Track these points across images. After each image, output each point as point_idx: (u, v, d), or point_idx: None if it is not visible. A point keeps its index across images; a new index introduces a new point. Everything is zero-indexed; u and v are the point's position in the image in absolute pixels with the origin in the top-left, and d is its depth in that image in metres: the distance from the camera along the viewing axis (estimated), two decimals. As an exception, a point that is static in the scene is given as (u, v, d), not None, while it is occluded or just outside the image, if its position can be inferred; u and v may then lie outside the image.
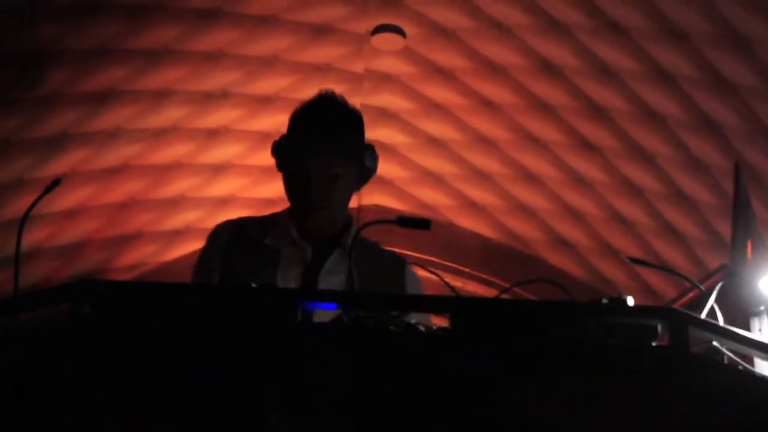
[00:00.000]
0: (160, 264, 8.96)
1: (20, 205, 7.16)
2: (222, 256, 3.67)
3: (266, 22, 7.42)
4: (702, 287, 3.22)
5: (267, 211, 8.89)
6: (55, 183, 3.57)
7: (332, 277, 3.59)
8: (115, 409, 2.55)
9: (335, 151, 3.75)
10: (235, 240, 3.70)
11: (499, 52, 7.68)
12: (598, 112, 7.71)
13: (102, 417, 2.55)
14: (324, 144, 3.75)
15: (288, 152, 3.75)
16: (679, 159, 7.75)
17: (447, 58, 7.88)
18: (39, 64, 6.97)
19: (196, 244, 8.93)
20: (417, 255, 8.66)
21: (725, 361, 2.79)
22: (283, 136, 3.82)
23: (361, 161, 3.79)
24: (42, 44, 6.86)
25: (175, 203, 8.59)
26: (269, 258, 3.61)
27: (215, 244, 3.72)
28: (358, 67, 8.04)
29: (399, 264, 3.78)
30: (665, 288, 8.32)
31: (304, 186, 3.68)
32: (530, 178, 8.53)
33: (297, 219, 3.71)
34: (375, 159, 3.86)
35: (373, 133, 8.57)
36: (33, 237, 7.76)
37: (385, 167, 8.91)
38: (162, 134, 7.99)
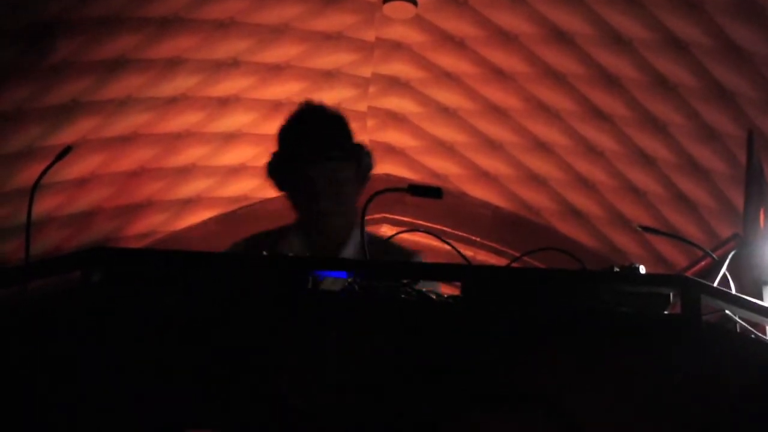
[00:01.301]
0: (171, 233, 8.95)
1: (31, 173, 7.16)
2: None
3: (277, -10, 7.41)
4: (714, 256, 3.22)
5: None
6: (65, 151, 3.57)
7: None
8: (126, 377, 2.55)
9: (336, 156, 3.77)
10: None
11: (510, 21, 7.64)
12: (610, 81, 7.67)
13: (113, 386, 2.55)
14: (324, 151, 3.78)
15: (287, 168, 3.74)
16: (691, 128, 7.72)
17: (458, 26, 7.84)
18: (50, 33, 6.95)
19: (207, 213, 8.98)
20: (428, 224, 8.66)
21: (737, 330, 2.79)
22: (275, 155, 3.82)
23: (359, 161, 3.80)
24: (53, 13, 6.85)
25: (185, 172, 8.58)
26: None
27: None
28: (369, 35, 8.01)
29: (407, 257, 3.79)
30: (677, 257, 8.30)
31: (315, 196, 3.69)
32: (542, 147, 8.50)
33: (311, 230, 3.71)
34: (370, 156, 3.89)
35: (383, 101, 8.62)
36: (43, 205, 7.75)
37: (395, 136, 8.91)
38: (173, 103, 7.97)
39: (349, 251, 3.75)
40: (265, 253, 2.74)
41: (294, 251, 3.69)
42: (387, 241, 3.80)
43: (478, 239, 9.12)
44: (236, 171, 8.77)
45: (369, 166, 3.84)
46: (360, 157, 3.81)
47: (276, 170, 3.79)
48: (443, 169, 8.85)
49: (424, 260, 3.81)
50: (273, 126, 8.40)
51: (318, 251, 3.72)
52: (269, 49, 7.85)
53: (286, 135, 3.84)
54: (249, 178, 8.85)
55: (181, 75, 7.78)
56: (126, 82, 7.60)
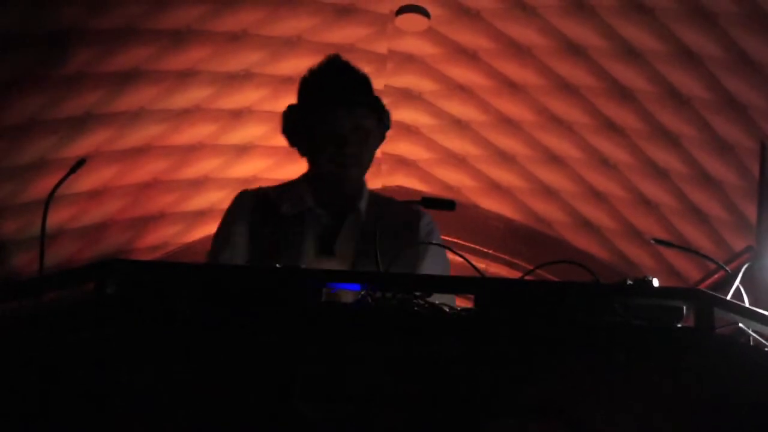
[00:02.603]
0: (183, 245, 8.98)
1: (44, 185, 7.19)
2: (248, 227, 3.67)
3: (290, 2, 7.42)
4: (728, 268, 3.21)
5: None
6: (79, 163, 3.58)
7: (348, 242, 3.60)
8: (139, 388, 2.56)
9: (364, 102, 3.76)
10: (258, 210, 3.70)
11: (523, 33, 7.65)
12: (622, 93, 7.68)
13: (125, 396, 2.55)
14: (353, 96, 3.74)
15: (311, 114, 3.72)
16: (704, 140, 7.72)
17: (471, 38, 7.86)
18: (63, 44, 6.98)
19: (220, 225, 9.00)
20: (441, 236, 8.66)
21: (751, 343, 2.78)
22: (294, 106, 3.80)
23: (381, 115, 3.79)
24: (67, 24, 6.88)
25: (198, 184, 8.60)
26: (292, 226, 3.61)
27: (238, 214, 3.71)
28: (382, 47, 8.03)
29: (413, 214, 3.77)
30: (690, 270, 8.30)
31: (341, 142, 3.68)
32: (554, 159, 8.51)
33: (326, 181, 3.71)
34: (389, 114, 3.87)
35: (396, 114, 8.61)
36: (57, 217, 7.78)
37: (408, 148, 8.92)
38: (185, 114, 8.00)
39: (362, 206, 3.74)
40: (278, 265, 2.73)
41: (303, 205, 3.68)
42: (392, 200, 3.81)
43: (490, 251, 9.12)
44: (249, 183, 8.79)
45: (388, 124, 3.84)
46: (382, 110, 3.80)
47: (295, 118, 3.77)
48: (456, 181, 8.86)
49: (429, 219, 3.79)
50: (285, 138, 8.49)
51: (329, 205, 3.71)
52: (282, 61, 7.87)
53: (310, 82, 3.81)
54: (261, 190, 8.86)
55: (193, 87, 7.80)
56: (139, 94, 7.62)
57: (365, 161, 3.75)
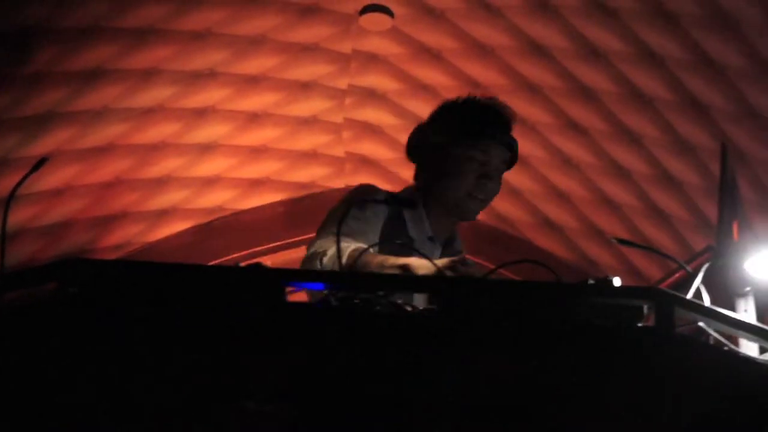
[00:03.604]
0: (146, 244, 8.94)
1: (6, 184, 7.14)
2: (381, 227, 3.64)
3: (254, 2, 7.40)
4: (688, 268, 3.23)
5: (253, 192, 8.87)
6: (41, 162, 3.56)
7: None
8: (100, 389, 2.55)
9: (511, 143, 3.78)
10: (390, 217, 3.69)
11: (486, 33, 7.66)
12: (585, 94, 7.70)
13: (86, 398, 2.54)
14: (508, 139, 3.79)
15: (462, 143, 3.73)
16: (666, 140, 7.75)
17: (435, 38, 7.86)
18: (26, 43, 6.93)
19: (182, 224, 8.97)
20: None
21: (711, 342, 2.80)
22: (440, 127, 3.80)
23: (512, 158, 3.80)
24: (29, 22, 6.83)
25: (161, 183, 8.57)
26: (410, 249, 3.58)
27: (376, 209, 3.69)
28: (346, 47, 8.02)
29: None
30: (651, 269, 8.33)
31: (486, 178, 3.70)
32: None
33: (454, 210, 3.73)
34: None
35: (360, 113, 8.63)
36: (18, 216, 7.73)
37: (372, 148, 8.93)
38: (149, 113, 7.96)
39: (459, 239, 3.86)
40: (241, 264, 2.73)
41: (425, 231, 3.69)
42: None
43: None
44: (212, 182, 8.77)
45: (512, 165, 3.90)
46: (516, 154, 3.84)
47: (439, 141, 3.77)
48: (419, 180, 8.85)
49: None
50: (249, 137, 8.48)
51: (441, 234, 3.72)
52: (246, 60, 7.85)
53: (459, 110, 3.82)
54: (224, 189, 8.85)
55: (157, 86, 7.77)
56: (102, 93, 7.58)
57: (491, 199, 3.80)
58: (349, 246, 3.34)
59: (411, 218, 3.72)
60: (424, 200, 3.79)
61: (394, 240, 3.55)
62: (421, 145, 3.84)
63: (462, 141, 3.75)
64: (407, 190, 3.85)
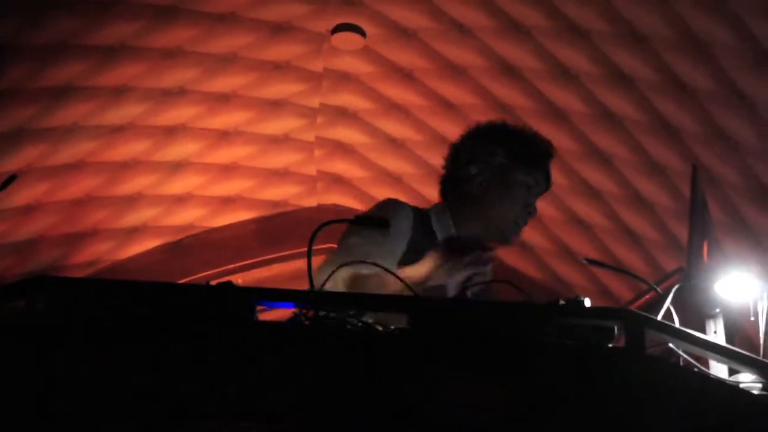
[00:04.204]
0: (116, 261, 8.90)
1: (-25, 200, 7.11)
2: (406, 243, 3.63)
3: (225, 20, 7.39)
4: (659, 289, 3.24)
5: (224, 210, 8.84)
6: (10, 179, 3.55)
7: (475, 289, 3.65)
8: (67, 407, 2.53)
9: (548, 176, 3.96)
10: (416, 230, 3.68)
11: (459, 54, 7.68)
12: (556, 114, 7.73)
13: (53, 415, 2.53)
14: (549, 169, 3.93)
15: (520, 170, 3.76)
16: (636, 161, 7.78)
17: (407, 58, 7.88)
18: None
19: (153, 242, 8.94)
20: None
21: (681, 363, 2.81)
22: (497, 147, 3.82)
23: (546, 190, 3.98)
24: (-1, 39, 6.82)
25: (131, 200, 8.54)
26: (436, 262, 3.57)
27: (404, 223, 3.68)
28: (318, 66, 8.03)
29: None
30: (622, 290, 8.35)
31: (532, 209, 3.84)
32: (488, 179, 8.53)
33: (493, 233, 3.79)
34: None
35: (331, 132, 8.63)
36: (-13, 233, 7.70)
37: (344, 167, 8.92)
38: (119, 131, 7.94)
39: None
40: (211, 283, 2.72)
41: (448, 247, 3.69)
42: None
43: (425, 270, 9.11)
44: (182, 200, 8.75)
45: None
46: (549, 188, 3.91)
47: (493, 163, 3.77)
48: (390, 199, 8.84)
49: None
50: (220, 155, 8.47)
51: (471, 252, 3.72)
52: (216, 78, 7.84)
53: (519, 137, 3.84)
54: (195, 207, 8.82)
55: (127, 103, 7.75)
56: (72, 110, 7.56)
57: None
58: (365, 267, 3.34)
59: (440, 231, 3.72)
60: (457, 216, 3.78)
61: (417, 252, 3.54)
62: (478, 161, 3.83)
63: (520, 166, 3.77)
64: (436, 209, 3.83)
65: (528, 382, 2.59)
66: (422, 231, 3.70)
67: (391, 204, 3.74)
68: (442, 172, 3.99)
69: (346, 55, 7.93)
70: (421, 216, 3.73)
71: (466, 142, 3.92)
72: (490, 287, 3.73)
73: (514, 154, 3.81)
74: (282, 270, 9.00)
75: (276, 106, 8.23)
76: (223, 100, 8.03)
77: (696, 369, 2.82)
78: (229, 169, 8.63)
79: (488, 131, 3.91)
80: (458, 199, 3.81)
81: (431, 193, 8.89)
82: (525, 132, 3.89)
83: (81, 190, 8.23)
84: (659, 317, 2.92)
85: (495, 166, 3.80)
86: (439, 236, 3.71)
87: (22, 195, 7.80)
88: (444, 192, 3.90)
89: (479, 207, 3.78)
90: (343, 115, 8.49)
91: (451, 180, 3.88)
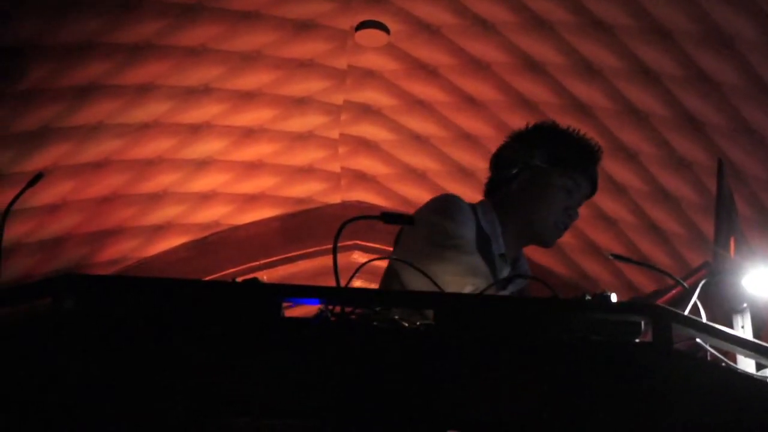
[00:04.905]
0: (142, 259, 8.93)
1: (1, 199, 7.12)
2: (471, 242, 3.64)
3: (249, 18, 7.40)
4: (685, 284, 3.23)
5: (249, 208, 8.84)
6: (37, 177, 3.56)
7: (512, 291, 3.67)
8: (95, 404, 2.54)
9: (594, 181, 3.94)
10: (478, 238, 3.68)
11: (483, 49, 7.67)
12: (581, 110, 7.71)
13: (83, 413, 2.53)
14: (594, 173, 3.93)
15: (558, 170, 3.78)
16: (662, 156, 7.76)
17: (431, 54, 7.87)
18: (21, 58, 6.93)
19: (178, 239, 8.96)
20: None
21: (708, 358, 2.80)
22: (540, 149, 3.82)
23: (591, 194, 3.98)
24: (24, 38, 6.83)
25: (157, 198, 8.56)
26: (489, 265, 3.59)
27: (469, 224, 3.68)
28: (342, 63, 8.03)
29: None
30: (648, 285, 8.32)
31: (574, 213, 3.83)
32: (513, 175, 8.52)
33: (534, 236, 3.82)
34: None
35: (355, 128, 8.63)
36: (13, 232, 7.72)
37: (368, 163, 8.92)
38: (144, 129, 7.96)
39: (525, 260, 3.92)
40: (237, 279, 2.72)
41: (500, 249, 3.70)
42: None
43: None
44: (207, 197, 8.76)
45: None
46: (595, 192, 3.97)
47: (535, 165, 3.78)
48: (415, 196, 8.86)
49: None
50: (245, 153, 8.48)
51: (509, 250, 3.75)
52: (241, 76, 7.85)
53: (563, 139, 3.85)
54: (220, 204, 8.84)
55: (152, 101, 7.77)
56: (97, 108, 7.59)
57: None
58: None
59: (492, 235, 3.72)
60: (500, 215, 3.78)
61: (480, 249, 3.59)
62: (518, 162, 3.83)
63: (560, 168, 3.76)
64: (483, 204, 3.83)
65: (554, 378, 2.59)
66: (475, 228, 3.71)
67: (456, 205, 3.72)
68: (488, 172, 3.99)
69: (370, 52, 7.93)
70: (474, 212, 3.74)
71: (511, 143, 3.92)
72: (528, 286, 3.73)
73: (553, 156, 3.80)
74: (306, 267, 9.02)
75: (300, 103, 8.24)
76: (248, 97, 8.04)
77: (723, 364, 2.80)
78: (253, 167, 8.64)
79: (532, 133, 3.91)
80: (500, 200, 3.81)
81: (455, 189, 8.91)
82: (568, 134, 3.87)
83: (106, 188, 8.25)
84: (686, 312, 2.91)
85: (534, 168, 3.79)
86: (488, 232, 3.70)
87: (47, 193, 7.83)
88: (487, 192, 3.90)
89: (519, 208, 3.78)
90: (367, 112, 8.49)
91: (494, 181, 3.88)
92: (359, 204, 9.06)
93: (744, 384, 2.73)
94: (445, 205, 3.73)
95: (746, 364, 2.98)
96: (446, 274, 3.38)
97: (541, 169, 3.80)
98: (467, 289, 3.35)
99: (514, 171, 3.83)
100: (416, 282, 3.22)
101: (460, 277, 3.42)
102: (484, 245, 3.65)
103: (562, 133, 3.88)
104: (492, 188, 3.90)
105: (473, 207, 3.77)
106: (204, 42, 7.45)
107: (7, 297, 2.71)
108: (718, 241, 3.35)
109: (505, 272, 3.70)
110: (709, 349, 2.78)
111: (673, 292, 3.34)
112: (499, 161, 3.91)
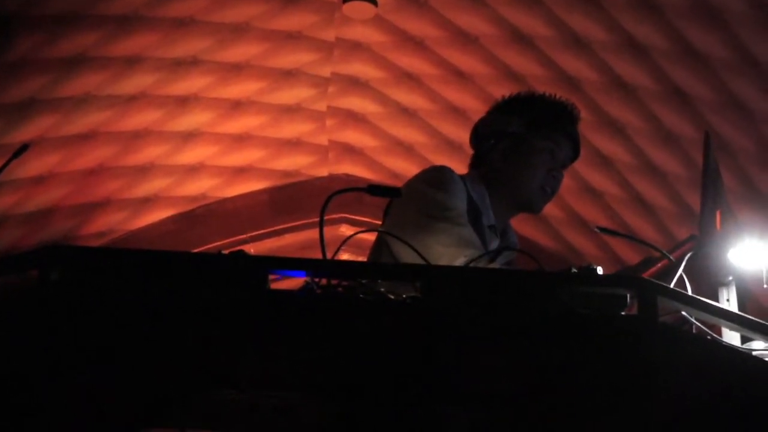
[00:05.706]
0: (129, 231, 8.93)
1: (-13, 171, 7.11)
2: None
3: (238, -11, 7.39)
4: (671, 257, 3.23)
5: (236, 180, 8.82)
6: (23, 149, 3.55)
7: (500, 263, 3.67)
8: (82, 377, 2.54)
9: (575, 140, 3.91)
10: (469, 210, 3.68)
11: (470, 22, 7.66)
12: (569, 83, 7.71)
13: (68, 386, 2.54)
14: (574, 132, 3.91)
15: (534, 133, 3.78)
16: (649, 130, 7.77)
17: (418, 27, 7.86)
18: (7, 30, 6.91)
19: (165, 212, 8.96)
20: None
21: (694, 331, 2.81)
22: (514, 116, 3.81)
23: (574, 155, 3.96)
24: (11, 9, 6.81)
25: (144, 170, 8.55)
26: (479, 237, 3.59)
27: (461, 195, 3.67)
28: (329, 35, 8.01)
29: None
30: (634, 258, 8.33)
31: (552, 192, 3.82)
32: (501, 148, 8.52)
33: (520, 203, 3.80)
34: None
35: (343, 101, 8.61)
36: (0, 203, 7.71)
37: (355, 136, 8.92)
38: (132, 101, 7.95)
39: (513, 232, 3.93)
40: (224, 252, 2.72)
41: (489, 220, 3.70)
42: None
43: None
44: (195, 170, 8.76)
45: (571, 163, 4.00)
46: (578, 152, 3.97)
47: (511, 131, 3.78)
48: (402, 169, 8.86)
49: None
50: (232, 125, 8.47)
51: (497, 222, 3.75)
52: (229, 48, 7.84)
53: (537, 102, 3.84)
54: (207, 177, 8.83)
55: (140, 73, 7.75)
56: (85, 80, 7.57)
57: None
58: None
59: (482, 206, 3.72)
60: (488, 185, 3.78)
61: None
62: (496, 132, 3.83)
63: (538, 132, 3.76)
64: (470, 176, 3.82)
65: (540, 351, 2.60)
66: (467, 200, 3.71)
67: (448, 176, 3.72)
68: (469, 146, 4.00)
69: (358, 24, 7.91)
70: (464, 184, 3.74)
71: (487, 116, 3.92)
72: (515, 258, 3.73)
73: (530, 120, 3.80)
74: (294, 240, 9.02)
75: (288, 75, 8.23)
76: (236, 69, 8.02)
77: (709, 337, 2.81)
78: (241, 139, 8.63)
79: (507, 102, 3.91)
80: (485, 172, 3.81)
81: (443, 162, 8.85)
82: (543, 98, 3.88)
83: (93, 161, 8.24)
84: (672, 285, 2.92)
85: (512, 135, 3.79)
86: (478, 203, 3.70)
87: (34, 165, 7.81)
88: (472, 167, 3.90)
89: (504, 178, 3.77)
90: (355, 84, 8.48)
91: (476, 155, 3.89)
92: (347, 177, 9.06)
93: (729, 356, 2.74)
94: (437, 176, 3.72)
95: (731, 336, 2.99)
96: (439, 245, 3.39)
97: (519, 135, 3.79)
98: (460, 261, 3.34)
99: (492, 141, 3.83)
100: (407, 254, 3.22)
101: (454, 249, 3.42)
102: (474, 217, 3.65)
103: (537, 98, 3.89)
104: (475, 162, 3.90)
105: (462, 178, 3.77)
106: (192, 14, 7.43)
107: (-7, 268, 2.70)
108: (704, 214, 3.36)
109: (494, 244, 3.70)
110: (695, 321, 2.79)
111: (659, 265, 3.35)
112: (477, 134, 3.91)
